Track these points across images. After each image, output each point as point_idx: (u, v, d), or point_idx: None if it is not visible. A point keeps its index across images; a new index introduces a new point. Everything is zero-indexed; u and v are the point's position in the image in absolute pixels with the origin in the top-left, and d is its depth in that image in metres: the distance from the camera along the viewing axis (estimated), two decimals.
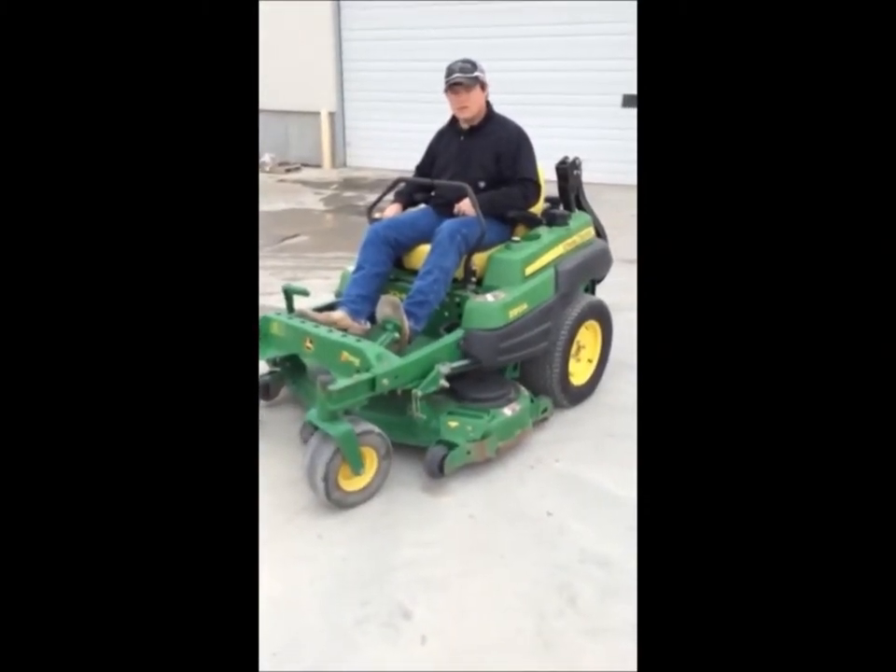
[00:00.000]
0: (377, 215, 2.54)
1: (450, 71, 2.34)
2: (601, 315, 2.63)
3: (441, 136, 2.57)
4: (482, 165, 2.39)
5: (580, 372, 2.66)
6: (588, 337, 2.67)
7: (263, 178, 9.64)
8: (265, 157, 10.62)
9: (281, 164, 10.44)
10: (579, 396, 2.63)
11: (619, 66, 6.91)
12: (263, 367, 2.57)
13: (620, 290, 3.17)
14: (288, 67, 10.80)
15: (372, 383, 1.88)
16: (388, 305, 2.10)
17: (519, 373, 2.46)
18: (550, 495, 2.05)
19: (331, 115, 10.79)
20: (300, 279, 4.10)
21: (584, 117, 7.59)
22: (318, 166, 10.77)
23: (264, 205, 7.40)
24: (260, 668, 1.39)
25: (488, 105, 2.48)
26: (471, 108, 2.38)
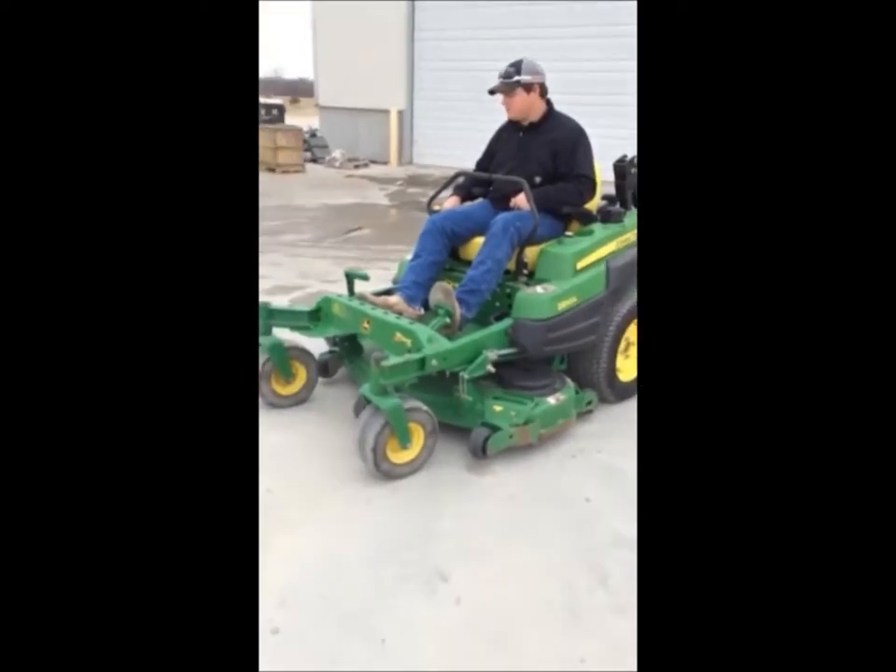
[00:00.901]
0: (436, 207, 2.66)
1: (500, 75, 2.45)
2: None
3: (502, 133, 2.67)
4: (538, 161, 2.47)
5: (628, 369, 2.68)
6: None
7: (332, 173, 10.02)
8: (335, 153, 11.00)
9: (350, 160, 10.76)
10: (625, 392, 2.66)
11: None
12: (323, 346, 2.75)
13: None
14: (361, 67, 11.12)
15: (422, 362, 2.00)
16: (441, 291, 2.21)
17: (566, 366, 2.52)
18: (589, 483, 2.11)
19: (400, 113, 11.04)
20: (361, 269, 4.28)
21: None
22: (385, 163, 11.06)
23: (332, 199, 7.71)
24: (305, 610, 1.53)
25: (549, 102, 2.56)
26: (515, 110, 2.50)
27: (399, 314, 2.27)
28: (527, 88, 2.48)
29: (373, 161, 11.06)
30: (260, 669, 1.26)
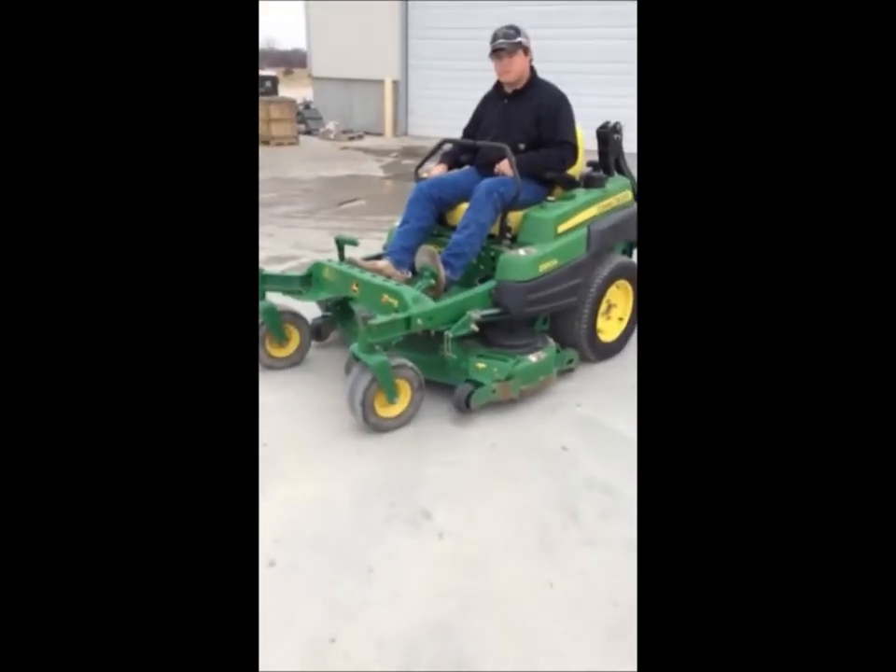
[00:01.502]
0: (424, 174, 2.74)
1: (494, 37, 2.49)
2: (632, 275, 2.75)
3: (487, 100, 2.73)
4: (522, 128, 2.54)
5: (609, 329, 2.80)
6: (619, 296, 2.80)
7: (327, 146, 9.99)
8: (329, 125, 10.93)
9: (344, 132, 10.71)
10: (607, 352, 2.77)
11: None
12: (316, 311, 2.85)
13: None
14: (354, 36, 10.99)
15: (408, 321, 2.11)
16: (426, 254, 2.31)
17: (549, 326, 2.63)
18: (567, 433, 2.24)
19: (395, 83, 10.94)
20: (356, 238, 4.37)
21: (623, 86, 7.41)
22: (380, 134, 11.01)
23: (326, 171, 7.73)
24: (299, 546, 1.67)
25: (532, 70, 2.62)
26: (514, 72, 2.52)
27: (388, 277, 2.37)
28: (525, 50, 2.54)
29: (368, 133, 11.01)
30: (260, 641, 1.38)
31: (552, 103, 2.53)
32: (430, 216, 2.58)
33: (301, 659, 1.35)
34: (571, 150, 2.55)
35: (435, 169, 2.75)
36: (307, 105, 11.63)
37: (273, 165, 7.90)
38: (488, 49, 2.53)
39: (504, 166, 2.46)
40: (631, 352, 2.85)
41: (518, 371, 2.29)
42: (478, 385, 2.24)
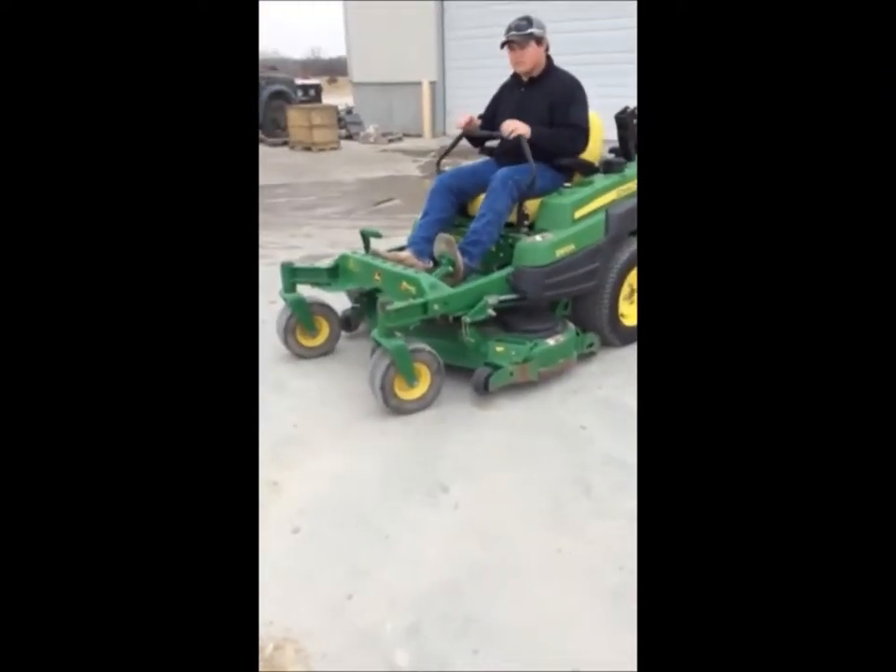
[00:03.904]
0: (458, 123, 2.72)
1: (508, 29, 2.56)
2: None
3: (504, 89, 2.80)
4: (537, 114, 2.58)
5: (632, 314, 2.80)
6: None
7: (367, 149, 10.22)
8: (369, 128, 11.16)
9: (384, 135, 10.92)
10: (630, 336, 2.78)
11: None
12: (347, 303, 2.98)
13: None
14: (392, 41, 11.17)
15: (425, 306, 2.20)
16: (444, 242, 2.39)
17: (570, 311, 2.67)
18: (586, 413, 2.28)
19: (432, 84, 11.06)
20: (388, 237, 4.49)
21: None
22: (419, 135, 11.17)
23: (365, 173, 7.93)
24: (321, 515, 1.77)
25: (549, 59, 2.66)
26: (526, 63, 2.58)
27: (410, 267, 2.46)
28: (538, 40, 2.59)
29: (407, 135, 11.18)
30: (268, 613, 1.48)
31: (566, 89, 2.57)
32: (451, 206, 2.66)
33: (320, 614, 1.45)
34: (580, 133, 2.57)
35: (463, 118, 2.71)
36: (349, 111, 11.91)
37: (315, 170, 8.17)
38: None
39: (512, 124, 2.43)
40: None
41: (536, 353, 2.34)
42: (496, 367, 2.30)
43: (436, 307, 2.22)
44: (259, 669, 1.28)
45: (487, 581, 1.53)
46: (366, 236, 2.73)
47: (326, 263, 2.72)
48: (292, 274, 2.61)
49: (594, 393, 2.43)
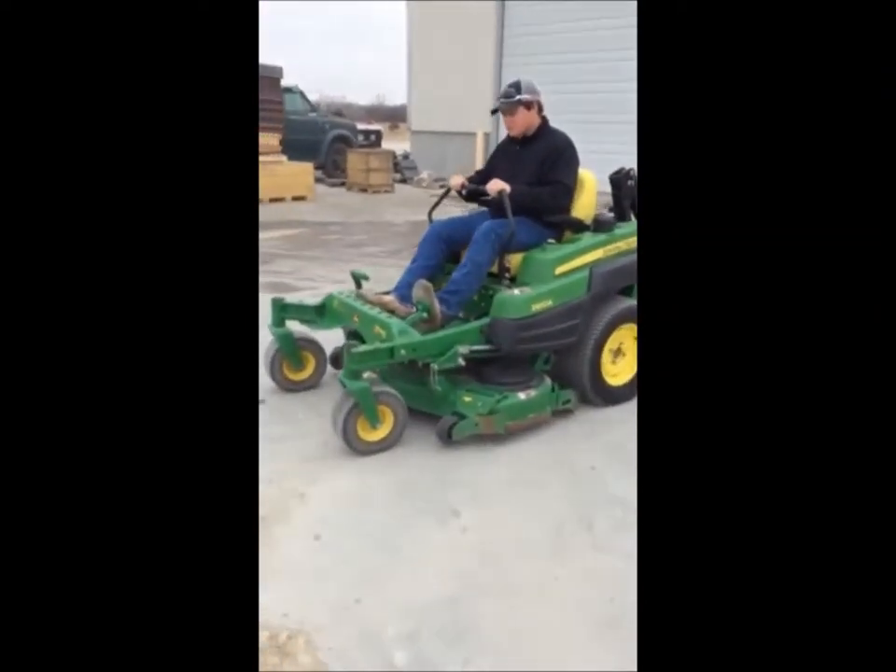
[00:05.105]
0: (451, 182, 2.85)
1: (499, 95, 2.68)
2: None
3: (500, 148, 2.89)
4: (528, 171, 2.65)
5: (619, 373, 2.76)
6: (630, 340, 2.76)
7: (419, 193, 10.56)
8: (423, 174, 11.55)
9: (436, 181, 11.26)
10: (615, 396, 2.73)
11: None
12: (341, 339, 3.06)
13: None
14: (450, 94, 11.63)
15: (391, 351, 2.24)
16: (421, 289, 2.44)
17: (549, 366, 2.65)
18: (598, 456, 2.32)
19: (486, 135, 11.38)
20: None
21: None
22: None
23: (413, 216, 8.19)
24: (341, 525, 1.88)
25: (543, 119, 2.74)
26: (517, 127, 2.71)
27: (392, 311, 2.53)
28: (527, 105, 2.68)
29: None
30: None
31: (555, 148, 2.63)
32: (439, 254, 2.73)
33: (330, 612, 1.56)
34: (564, 190, 2.60)
35: (454, 179, 2.86)
36: (406, 156, 12.38)
37: (369, 210, 8.56)
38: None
39: (496, 184, 2.53)
40: None
41: (503, 406, 2.33)
42: (462, 417, 2.31)
43: (402, 352, 2.26)
44: (273, 655, 1.43)
45: (485, 598, 1.62)
46: (356, 278, 2.82)
47: (314, 301, 2.82)
48: (282, 310, 2.73)
49: (606, 437, 2.46)
